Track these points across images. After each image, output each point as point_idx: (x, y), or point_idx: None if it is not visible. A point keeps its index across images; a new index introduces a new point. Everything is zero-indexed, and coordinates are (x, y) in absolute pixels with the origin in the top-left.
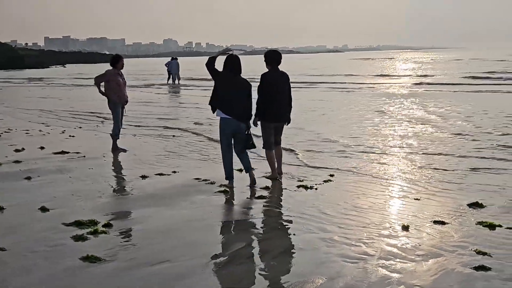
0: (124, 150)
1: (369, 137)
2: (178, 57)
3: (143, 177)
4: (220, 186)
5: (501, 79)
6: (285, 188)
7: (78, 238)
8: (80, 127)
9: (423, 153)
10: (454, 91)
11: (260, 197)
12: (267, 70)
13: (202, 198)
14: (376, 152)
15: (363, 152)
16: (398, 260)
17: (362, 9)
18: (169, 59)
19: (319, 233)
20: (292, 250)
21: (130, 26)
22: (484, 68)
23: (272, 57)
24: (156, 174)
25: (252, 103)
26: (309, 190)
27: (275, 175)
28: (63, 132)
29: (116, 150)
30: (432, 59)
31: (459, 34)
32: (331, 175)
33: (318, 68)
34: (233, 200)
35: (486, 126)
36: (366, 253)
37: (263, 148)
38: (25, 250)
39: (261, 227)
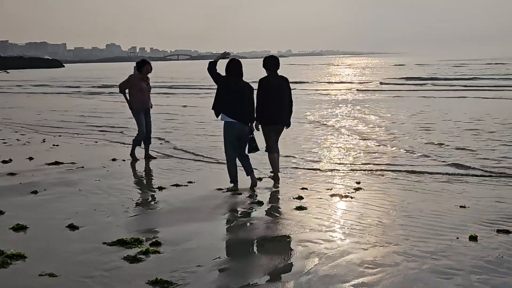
0: (154, 158)
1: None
2: (119, 61)
3: (160, 188)
4: (250, 196)
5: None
6: (320, 198)
7: (132, 260)
8: (60, 135)
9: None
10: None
11: (300, 208)
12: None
13: (239, 210)
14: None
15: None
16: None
17: (306, 15)
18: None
19: (393, 246)
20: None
21: (71, 31)
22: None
23: (270, 62)
24: (172, 185)
25: (254, 107)
26: (344, 199)
27: (277, 177)
28: (43, 141)
29: (148, 157)
30: (367, 64)
31: (402, 39)
32: (358, 182)
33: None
34: (276, 212)
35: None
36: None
37: (265, 151)
38: (78, 275)
39: (322, 240)
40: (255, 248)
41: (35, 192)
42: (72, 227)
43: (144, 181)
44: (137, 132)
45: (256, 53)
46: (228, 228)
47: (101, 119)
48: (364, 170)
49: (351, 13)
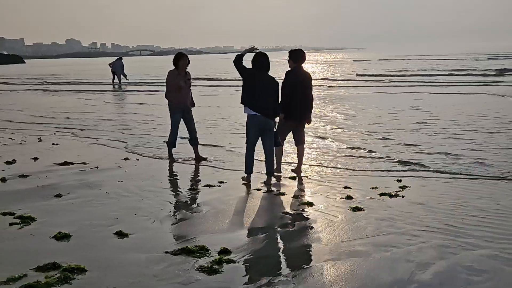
0: (174, 160)
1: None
2: (80, 57)
3: (193, 189)
4: (295, 197)
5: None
6: (371, 198)
7: (209, 271)
8: (55, 134)
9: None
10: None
11: (356, 208)
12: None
13: (292, 212)
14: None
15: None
16: None
17: (268, 11)
18: (113, 59)
19: (483, 249)
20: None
21: (29, 26)
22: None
23: (298, 55)
24: (204, 186)
25: (278, 101)
26: (394, 198)
27: (279, 171)
28: (40, 140)
29: (172, 159)
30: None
31: (367, 35)
32: (399, 180)
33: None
34: (334, 214)
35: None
36: None
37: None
38: None
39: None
40: (338, 256)
41: (59, 196)
42: (120, 234)
43: (172, 182)
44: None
45: (219, 49)
46: (293, 232)
47: (88, 116)
48: (401, 171)
49: (312, 9)
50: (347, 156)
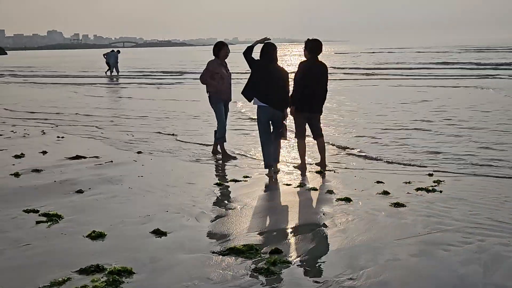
0: (235, 158)
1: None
2: (61, 49)
3: (219, 184)
4: (330, 192)
5: None
6: (408, 193)
7: (267, 272)
8: (57, 126)
9: None
10: None
11: (398, 204)
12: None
13: (332, 209)
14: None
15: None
16: None
17: (252, 2)
18: (108, 50)
19: None
20: None
21: (10, 17)
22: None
23: (313, 45)
24: (230, 181)
25: (289, 92)
26: (432, 193)
27: (304, 166)
28: (43, 133)
29: (225, 155)
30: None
31: (351, 27)
32: (430, 174)
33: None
34: (377, 210)
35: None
36: None
37: (295, 137)
38: None
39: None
40: (396, 255)
41: (80, 192)
42: (158, 233)
43: (194, 177)
44: (217, 126)
45: (203, 41)
46: (341, 230)
47: (89, 107)
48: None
49: (296, 1)
50: (370, 147)
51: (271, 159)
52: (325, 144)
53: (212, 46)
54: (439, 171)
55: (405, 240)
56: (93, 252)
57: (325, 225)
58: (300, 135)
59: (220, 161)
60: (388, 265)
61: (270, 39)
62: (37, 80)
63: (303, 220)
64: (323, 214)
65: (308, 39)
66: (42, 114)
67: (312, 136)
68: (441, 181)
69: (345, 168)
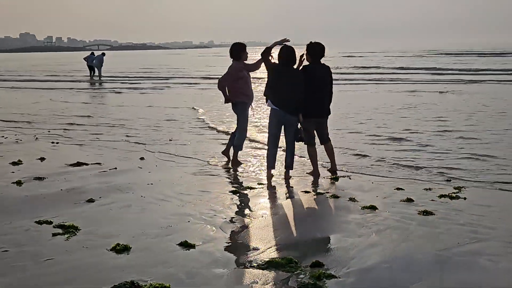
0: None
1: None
2: (35, 51)
3: (235, 192)
4: (352, 200)
5: None
6: (433, 200)
7: None
8: (49, 131)
9: None
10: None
11: (426, 212)
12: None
13: (359, 217)
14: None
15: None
16: None
17: (227, 6)
18: (88, 53)
19: None
20: None
21: None
22: None
23: (314, 49)
24: (245, 188)
25: (303, 96)
26: (456, 200)
27: (317, 172)
28: (36, 139)
29: (236, 162)
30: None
31: (320, 30)
32: (448, 180)
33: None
34: (406, 219)
35: None
36: None
37: (304, 143)
38: None
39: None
40: (443, 266)
41: (91, 201)
42: (186, 245)
43: (207, 184)
44: (237, 135)
45: (178, 44)
46: (377, 240)
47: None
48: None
49: (271, 4)
50: (377, 152)
51: (273, 162)
52: (334, 148)
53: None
54: (455, 178)
55: (447, 251)
56: (122, 266)
57: (358, 235)
58: (309, 141)
59: (228, 167)
60: (441, 275)
61: (289, 41)
62: (16, 85)
63: (334, 230)
64: (352, 223)
65: (310, 42)
66: (26, 118)
67: (319, 141)
68: (462, 187)
69: (360, 173)
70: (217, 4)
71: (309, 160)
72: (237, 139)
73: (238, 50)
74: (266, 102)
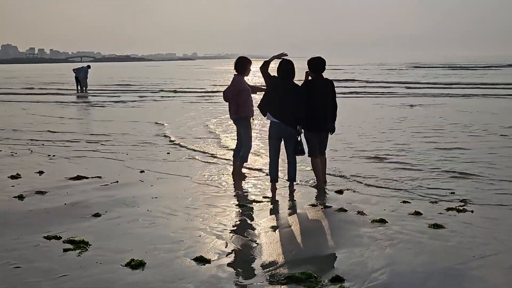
0: (244, 176)
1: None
2: (17, 63)
3: (241, 205)
4: (360, 213)
5: None
6: (440, 213)
7: None
8: (43, 144)
9: None
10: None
11: (436, 225)
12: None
13: (369, 231)
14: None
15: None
16: None
17: (210, 18)
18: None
19: None
20: None
21: None
22: None
23: (316, 64)
24: (251, 202)
25: (304, 109)
26: (463, 213)
27: (321, 184)
28: (31, 152)
29: (240, 175)
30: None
31: (303, 43)
32: (453, 193)
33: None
34: (417, 231)
35: None
36: None
37: (308, 156)
38: None
39: None
40: (461, 281)
41: (98, 215)
42: (201, 260)
43: (212, 198)
44: (243, 147)
45: (162, 56)
46: (392, 254)
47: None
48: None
49: (254, 17)
50: (379, 167)
51: (276, 175)
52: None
53: (235, 62)
54: (458, 186)
55: (463, 265)
56: (140, 283)
57: (372, 249)
58: (313, 153)
59: (230, 181)
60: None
61: (287, 55)
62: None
63: (347, 244)
64: (365, 237)
65: (311, 58)
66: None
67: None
68: (467, 200)
69: (365, 185)
70: (201, 16)
71: (312, 172)
72: (243, 151)
73: (243, 64)
74: (264, 115)
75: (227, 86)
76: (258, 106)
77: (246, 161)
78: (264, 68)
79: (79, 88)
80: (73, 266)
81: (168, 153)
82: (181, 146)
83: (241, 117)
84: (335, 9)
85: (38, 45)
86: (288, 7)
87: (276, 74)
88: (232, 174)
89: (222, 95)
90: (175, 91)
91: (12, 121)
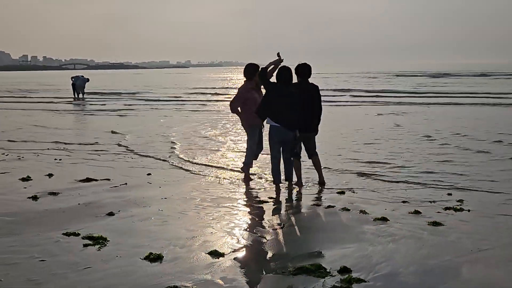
0: (250, 179)
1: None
2: (10, 70)
3: (249, 205)
4: (363, 212)
5: None
6: (439, 212)
7: None
8: (48, 149)
9: None
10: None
11: (435, 223)
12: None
13: (374, 228)
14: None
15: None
16: None
17: (205, 25)
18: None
19: None
20: None
21: None
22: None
23: (303, 70)
24: (258, 202)
25: (300, 113)
26: (459, 212)
27: (300, 184)
28: (37, 155)
29: (248, 180)
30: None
31: (295, 51)
32: (449, 194)
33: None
34: (415, 229)
35: None
36: None
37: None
38: None
39: None
40: (470, 272)
41: (111, 214)
42: (216, 254)
43: (219, 198)
44: (246, 153)
45: (155, 64)
46: (395, 248)
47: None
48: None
49: (249, 25)
50: (377, 167)
51: (279, 177)
52: (321, 163)
53: (245, 68)
54: (455, 187)
55: (462, 258)
56: (159, 274)
57: (376, 244)
58: (298, 153)
59: (235, 183)
60: (461, 281)
61: (282, 60)
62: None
63: (352, 239)
64: (368, 233)
65: (298, 64)
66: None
67: (307, 155)
68: (463, 200)
69: (365, 188)
70: (194, 24)
71: (313, 171)
72: (247, 158)
73: (252, 70)
74: (263, 120)
75: (235, 95)
76: (255, 112)
77: (251, 167)
78: (263, 74)
79: (75, 95)
80: (95, 260)
81: (169, 156)
82: (180, 153)
83: (249, 125)
84: (329, 18)
85: (31, 52)
86: (283, 15)
87: (274, 80)
88: (244, 177)
89: (229, 107)
90: None
91: None
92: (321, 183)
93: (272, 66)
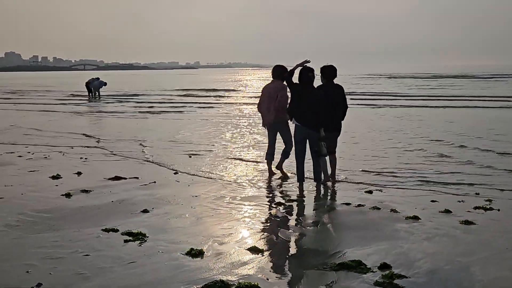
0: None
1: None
2: (20, 71)
3: (278, 203)
4: (394, 211)
5: None
6: (468, 211)
7: (391, 287)
8: (72, 148)
9: None
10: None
11: (467, 222)
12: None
13: (408, 227)
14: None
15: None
16: None
17: (214, 26)
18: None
19: None
20: None
21: None
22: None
23: (328, 72)
24: (289, 200)
25: (322, 113)
26: (489, 211)
27: (327, 179)
28: (63, 154)
29: (282, 172)
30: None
31: (302, 52)
32: (477, 194)
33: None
34: (455, 229)
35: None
36: None
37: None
38: None
39: None
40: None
41: (146, 211)
42: (255, 250)
43: (249, 197)
44: (272, 150)
45: (164, 64)
46: (431, 246)
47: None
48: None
49: (258, 27)
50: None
51: (302, 175)
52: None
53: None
54: (481, 184)
55: (499, 255)
56: (203, 268)
57: (411, 242)
58: (326, 153)
59: (263, 181)
60: (499, 278)
61: (309, 61)
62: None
63: (386, 237)
64: (402, 231)
65: (324, 65)
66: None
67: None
68: (492, 199)
69: (392, 187)
70: (204, 25)
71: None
72: (289, 147)
73: (281, 71)
74: (290, 120)
75: (260, 96)
76: (286, 111)
77: (287, 157)
78: (288, 76)
79: (91, 95)
80: (138, 255)
81: (189, 156)
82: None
83: (280, 120)
84: (340, 19)
85: (42, 53)
86: (292, 16)
87: (297, 81)
88: (269, 172)
89: (257, 107)
90: None
91: None
92: (332, 179)
93: (299, 68)
